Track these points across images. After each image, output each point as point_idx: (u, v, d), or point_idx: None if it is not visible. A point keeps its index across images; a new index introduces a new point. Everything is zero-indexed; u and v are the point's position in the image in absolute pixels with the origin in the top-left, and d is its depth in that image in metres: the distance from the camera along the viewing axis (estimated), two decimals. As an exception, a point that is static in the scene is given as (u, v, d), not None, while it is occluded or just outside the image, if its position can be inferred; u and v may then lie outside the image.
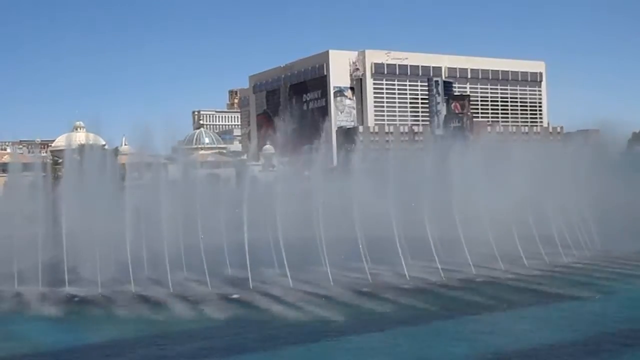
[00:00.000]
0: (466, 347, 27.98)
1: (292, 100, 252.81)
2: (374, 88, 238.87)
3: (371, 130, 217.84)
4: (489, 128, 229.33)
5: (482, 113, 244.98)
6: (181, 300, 37.33)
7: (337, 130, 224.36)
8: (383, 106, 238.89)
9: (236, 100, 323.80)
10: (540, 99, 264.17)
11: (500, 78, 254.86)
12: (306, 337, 30.10)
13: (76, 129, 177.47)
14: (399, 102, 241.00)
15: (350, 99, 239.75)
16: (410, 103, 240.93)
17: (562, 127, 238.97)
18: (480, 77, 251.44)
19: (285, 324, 32.10)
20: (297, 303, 35.70)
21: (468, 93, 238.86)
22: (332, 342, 29.31)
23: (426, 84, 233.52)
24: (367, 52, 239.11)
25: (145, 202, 45.10)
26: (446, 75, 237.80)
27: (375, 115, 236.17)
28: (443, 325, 31.57)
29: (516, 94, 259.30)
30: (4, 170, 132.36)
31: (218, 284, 40.73)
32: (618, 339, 28.49)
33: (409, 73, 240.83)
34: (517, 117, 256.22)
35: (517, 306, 34.51)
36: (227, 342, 30.00)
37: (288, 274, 40.60)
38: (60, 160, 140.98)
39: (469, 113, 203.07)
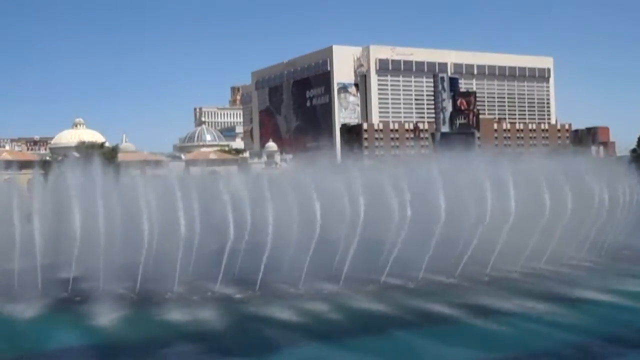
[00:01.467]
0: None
1: (295, 96, 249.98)
2: (379, 84, 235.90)
3: (375, 127, 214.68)
4: (495, 125, 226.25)
5: (488, 110, 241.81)
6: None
7: (340, 127, 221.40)
8: (388, 103, 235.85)
9: (238, 97, 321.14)
10: (547, 95, 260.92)
11: (507, 74, 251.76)
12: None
13: (76, 126, 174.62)
14: (404, 99, 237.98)
15: (354, 95, 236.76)
16: (416, 99, 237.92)
17: (570, 124, 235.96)
18: (486, 73, 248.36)
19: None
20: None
21: (474, 89, 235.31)
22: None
23: (432, 80, 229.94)
24: (371, 47, 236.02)
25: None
26: (452, 71, 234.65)
27: (380, 112, 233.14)
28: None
29: (523, 90, 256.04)
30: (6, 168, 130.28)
31: None
32: None
33: (414, 69, 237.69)
34: (524, 114, 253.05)
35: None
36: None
37: None
38: (60, 158, 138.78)
39: (475, 110, 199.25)
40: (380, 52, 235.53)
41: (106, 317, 33.75)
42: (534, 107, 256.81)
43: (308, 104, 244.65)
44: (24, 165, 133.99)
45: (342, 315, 33.53)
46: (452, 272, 40.51)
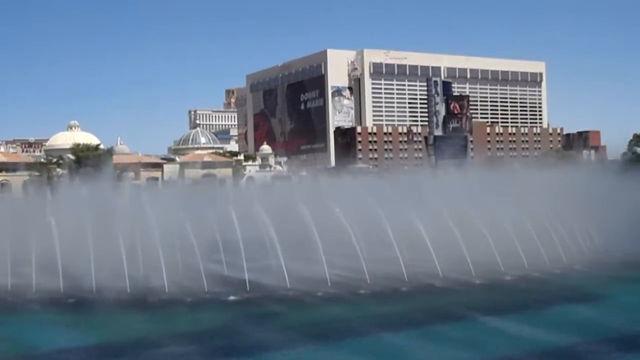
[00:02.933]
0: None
1: (289, 100, 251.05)
2: (373, 88, 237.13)
3: (369, 130, 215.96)
4: (488, 129, 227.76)
5: (481, 114, 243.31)
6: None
7: (335, 131, 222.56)
8: (381, 106, 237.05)
9: (233, 100, 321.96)
10: (540, 99, 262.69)
11: (499, 78, 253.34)
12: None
13: (71, 128, 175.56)
14: (398, 102, 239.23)
15: (348, 98, 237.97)
16: (409, 103, 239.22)
17: (562, 128, 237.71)
18: (479, 77, 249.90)
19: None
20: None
21: (467, 93, 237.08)
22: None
23: (425, 84, 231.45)
24: (365, 51, 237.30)
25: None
26: (445, 75, 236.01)
27: (374, 116, 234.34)
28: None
29: (516, 94, 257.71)
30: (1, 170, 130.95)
31: None
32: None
33: (407, 73, 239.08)
34: (516, 118, 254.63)
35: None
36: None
37: None
38: (55, 160, 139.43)
39: (468, 114, 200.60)
40: (374, 56, 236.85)
41: (101, 317, 34.50)
42: (526, 111, 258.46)
43: (302, 107, 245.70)
44: (19, 167, 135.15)
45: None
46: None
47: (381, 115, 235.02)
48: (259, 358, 26.15)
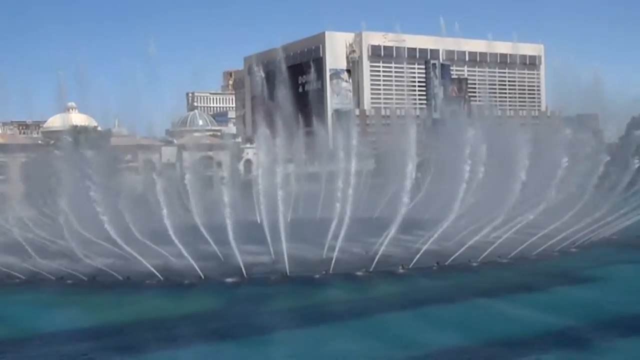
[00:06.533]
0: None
1: (287, 82, 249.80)
2: (371, 70, 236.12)
3: (367, 113, 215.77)
4: (486, 112, 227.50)
5: (479, 96, 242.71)
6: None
7: (332, 113, 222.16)
8: (380, 89, 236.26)
9: (231, 82, 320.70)
10: (538, 82, 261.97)
11: (498, 61, 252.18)
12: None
13: (69, 110, 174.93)
14: (396, 85, 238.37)
15: (346, 81, 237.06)
16: (408, 86, 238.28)
17: (560, 111, 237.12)
18: (478, 59, 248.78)
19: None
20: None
21: (466, 76, 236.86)
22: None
23: (423, 66, 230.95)
24: (363, 33, 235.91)
25: None
26: (444, 58, 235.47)
27: (372, 98, 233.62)
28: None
29: (514, 77, 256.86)
30: None
31: None
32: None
33: (406, 55, 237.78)
34: (515, 101, 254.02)
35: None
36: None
37: None
38: (53, 142, 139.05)
39: (466, 96, 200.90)
40: (373, 38, 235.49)
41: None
42: (524, 93, 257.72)
43: (300, 89, 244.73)
44: (17, 148, 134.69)
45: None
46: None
47: (379, 98, 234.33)
48: None
